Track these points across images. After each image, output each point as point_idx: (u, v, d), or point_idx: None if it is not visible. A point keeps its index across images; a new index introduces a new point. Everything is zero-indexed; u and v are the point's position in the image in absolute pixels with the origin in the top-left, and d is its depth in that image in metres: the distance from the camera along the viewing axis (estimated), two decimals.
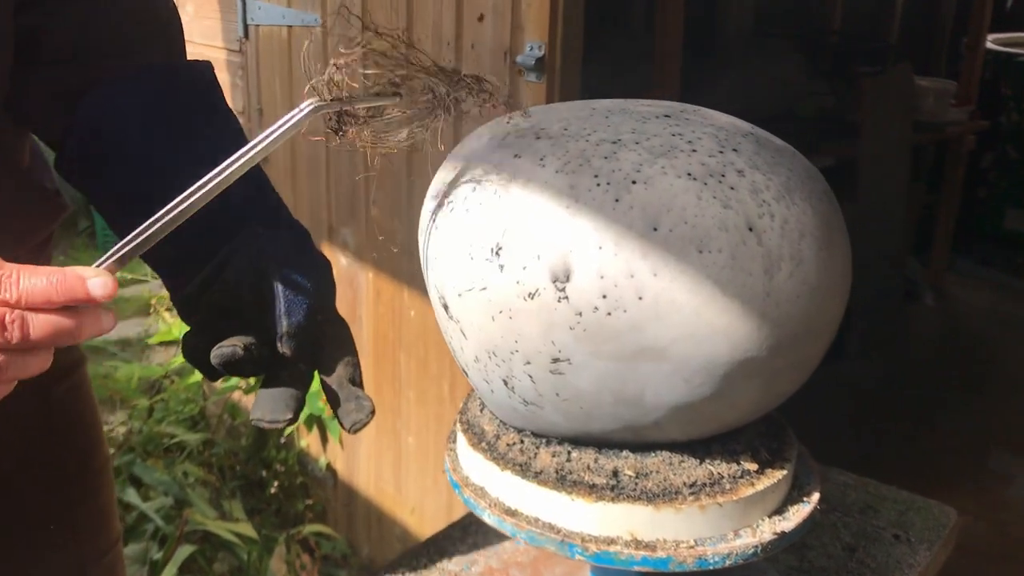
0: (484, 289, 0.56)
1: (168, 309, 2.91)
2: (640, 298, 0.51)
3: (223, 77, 2.22)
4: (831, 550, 0.78)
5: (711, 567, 0.56)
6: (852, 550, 0.78)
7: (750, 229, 0.52)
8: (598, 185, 0.53)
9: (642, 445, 0.59)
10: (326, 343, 0.65)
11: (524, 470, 0.60)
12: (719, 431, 0.60)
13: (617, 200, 0.52)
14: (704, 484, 0.57)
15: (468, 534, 0.82)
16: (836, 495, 0.84)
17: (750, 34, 3.40)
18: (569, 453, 0.59)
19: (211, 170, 0.60)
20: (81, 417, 0.91)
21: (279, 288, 0.63)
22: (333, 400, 0.64)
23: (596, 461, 0.59)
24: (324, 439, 2.29)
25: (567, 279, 0.52)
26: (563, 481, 0.58)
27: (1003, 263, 3.82)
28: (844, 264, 0.57)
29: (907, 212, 3.30)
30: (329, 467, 2.30)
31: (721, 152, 0.55)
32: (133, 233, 0.56)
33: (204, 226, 0.65)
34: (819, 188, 0.57)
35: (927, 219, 3.65)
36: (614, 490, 0.57)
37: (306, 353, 0.63)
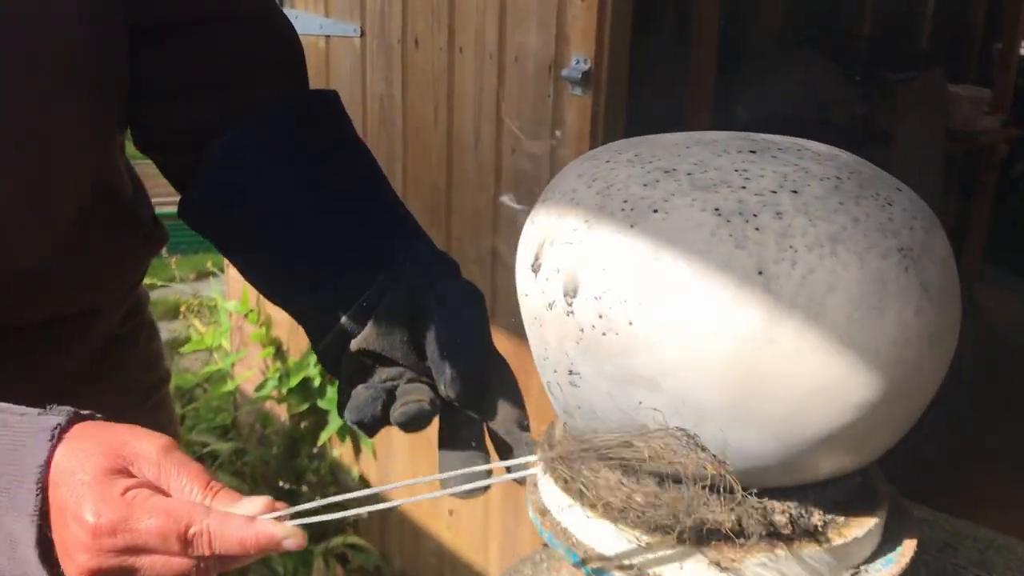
0: (526, 296, 0.59)
1: (197, 316, 2.91)
2: (630, 323, 0.52)
3: None
4: None
5: None
6: None
7: (759, 273, 0.50)
8: (622, 210, 0.54)
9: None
10: (490, 384, 0.63)
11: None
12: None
13: (632, 226, 0.53)
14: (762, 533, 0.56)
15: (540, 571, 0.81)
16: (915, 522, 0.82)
17: (782, 41, 3.38)
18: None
19: (342, 210, 0.61)
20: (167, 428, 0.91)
21: (438, 327, 0.60)
22: (501, 448, 0.62)
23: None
24: (357, 449, 2.28)
25: (575, 294, 0.55)
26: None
27: None
28: (902, 334, 0.51)
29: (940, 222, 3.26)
30: (362, 477, 2.29)
31: (774, 192, 0.52)
32: (328, 501, 0.55)
33: (352, 261, 0.63)
34: (894, 246, 0.51)
35: (959, 229, 3.62)
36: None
37: (473, 397, 0.61)
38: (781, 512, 0.55)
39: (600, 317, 0.53)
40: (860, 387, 0.50)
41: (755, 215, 0.51)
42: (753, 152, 0.58)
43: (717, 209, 0.52)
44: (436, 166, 1.87)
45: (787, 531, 0.55)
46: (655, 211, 0.53)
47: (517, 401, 0.64)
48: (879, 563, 0.59)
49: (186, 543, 0.49)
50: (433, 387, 0.62)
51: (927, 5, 3.97)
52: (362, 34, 1.95)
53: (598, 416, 0.58)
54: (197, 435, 2.49)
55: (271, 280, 0.66)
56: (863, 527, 0.58)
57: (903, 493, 0.66)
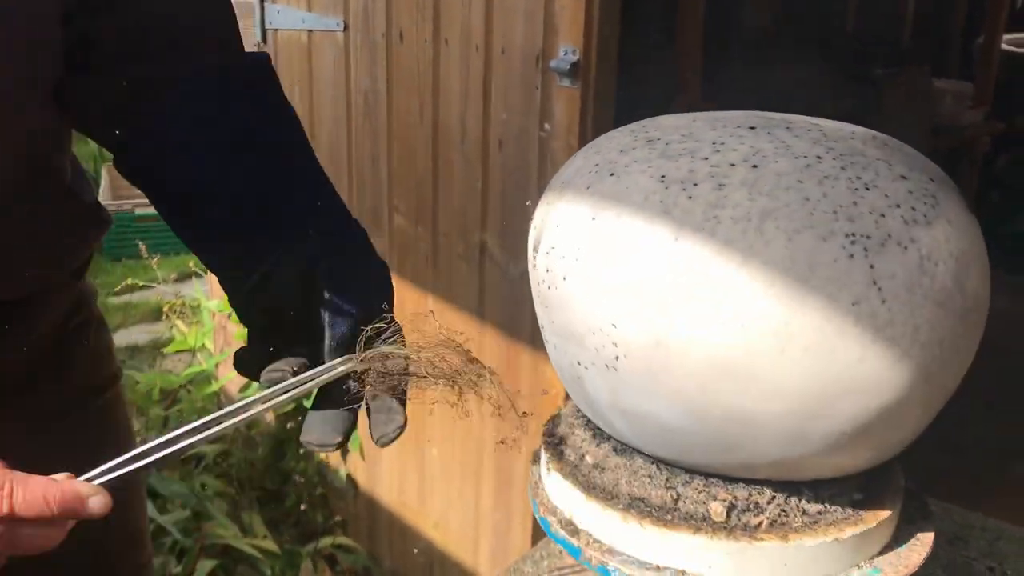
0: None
1: (180, 316, 2.87)
2: (564, 279, 0.53)
3: None
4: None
5: None
6: None
7: (675, 240, 0.50)
8: (591, 172, 0.55)
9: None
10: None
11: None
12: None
13: (588, 187, 0.54)
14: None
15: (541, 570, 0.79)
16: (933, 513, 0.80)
17: (768, 37, 3.37)
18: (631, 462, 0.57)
19: (268, 172, 0.62)
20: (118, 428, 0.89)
21: (327, 297, 0.62)
22: (367, 411, 0.62)
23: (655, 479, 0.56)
24: (345, 450, 2.25)
25: (537, 248, 0.57)
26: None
27: (1018, 266, 3.78)
28: (829, 322, 0.47)
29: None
30: (350, 478, 2.26)
31: (732, 165, 0.51)
32: (132, 453, 0.54)
33: (260, 227, 0.65)
34: (844, 230, 0.48)
35: None
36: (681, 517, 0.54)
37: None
38: (721, 500, 0.54)
39: (547, 271, 0.55)
40: (771, 370, 0.48)
41: (695, 184, 0.51)
42: (752, 128, 0.56)
43: (664, 176, 0.52)
44: (422, 161, 1.85)
45: (720, 519, 0.53)
46: (612, 175, 0.54)
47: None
48: (903, 546, 0.57)
49: None
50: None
51: (909, 2, 3.97)
52: (345, 28, 1.93)
53: (560, 373, 0.59)
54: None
55: (193, 243, 0.68)
56: (883, 513, 0.56)
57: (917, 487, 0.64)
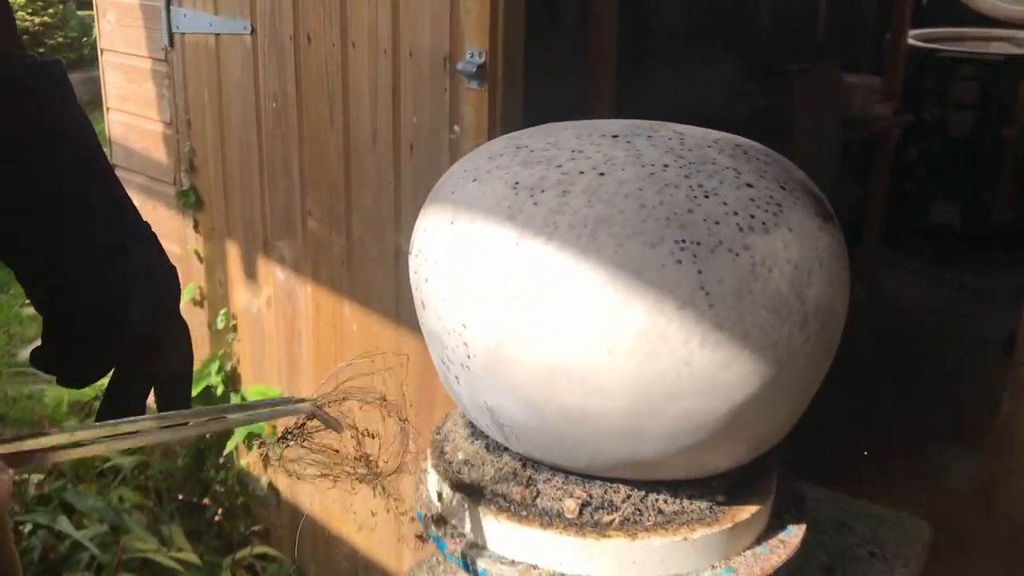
0: None
1: None
2: (427, 280, 0.57)
3: (148, 87, 2.15)
4: (808, 571, 0.76)
5: None
6: (830, 571, 0.77)
7: (516, 244, 0.52)
8: (459, 177, 0.57)
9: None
10: (164, 357, 0.64)
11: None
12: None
13: (453, 192, 0.57)
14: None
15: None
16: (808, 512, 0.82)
17: (682, 35, 3.42)
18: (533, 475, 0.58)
19: (37, 183, 0.60)
20: None
21: (115, 294, 0.62)
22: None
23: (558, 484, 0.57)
24: (266, 458, 2.23)
25: (410, 251, 0.60)
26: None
27: (930, 255, 3.90)
28: (654, 327, 0.48)
29: (838, 208, 3.34)
30: (271, 486, 2.24)
31: (582, 172, 0.54)
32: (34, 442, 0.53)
33: (49, 226, 0.63)
34: (675, 236, 0.50)
35: (856, 214, 3.71)
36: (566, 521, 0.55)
37: (140, 361, 0.62)
38: (576, 497, 0.55)
39: (415, 273, 0.57)
40: (599, 371, 0.49)
41: (543, 191, 0.52)
42: (615, 136, 0.57)
43: (517, 183, 0.53)
44: (334, 165, 1.84)
45: (572, 516, 0.55)
46: (475, 180, 0.55)
47: (172, 387, 0.65)
48: (764, 547, 0.58)
49: None
50: None
51: None
52: (253, 31, 1.90)
53: (437, 370, 0.60)
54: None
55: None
56: (754, 506, 0.58)
57: (801, 476, 0.66)
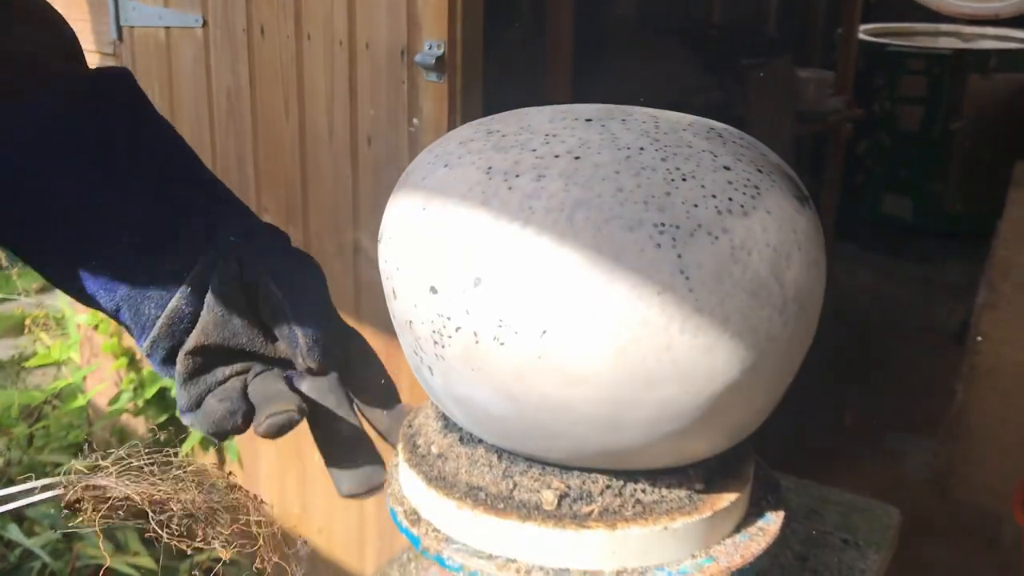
0: None
1: (44, 329, 2.74)
2: (397, 269, 0.55)
3: None
4: (782, 560, 0.76)
5: None
6: (803, 559, 0.77)
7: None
8: (429, 163, 0.56)
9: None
10: (352, 356, 0.61)
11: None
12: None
13: (423, 178, 0.55)
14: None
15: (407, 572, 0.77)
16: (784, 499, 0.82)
17: (636, 29, 3.43)
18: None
19: (145, 191, 0.56)
20: None
21: (279, 298, 0.57)
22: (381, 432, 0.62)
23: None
24: (221, 460, 2.19)
25: (379, 241, 0.58)
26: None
27: (883, 247, 3.96)
28: (632, 313, 0.47)
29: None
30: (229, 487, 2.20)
31: (557, 156, 0.52)
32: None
33: (162, 250, 0.57)
34: (652, 219, 0.48)
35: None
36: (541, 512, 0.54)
37: (333, 360, 0.58)
38: (554, 489, 0.54)
39: (385, 261, 0.55)
40: (579, 359, 0.48)
41: (517, 176, 0.50)
42: (588, 120, 0.56)
43: (490, 168, 0.51)
44: (290, 159, 1.80)
45: (550, 508, 0.53)
46: (446, 166, 0.53)
47: (386, 379, 0.62)
48: (743, 535, 0.58)
49: None
50: (286, 378, 0.59)
51: None
52: (204, 24, 1.86)
53: (409, 362, 0.58)
54: (48, 455, 2.34)
55: (75, 279, 0.58)
56: (733, 494, 0.57)
57: (770, 464, 0.65)
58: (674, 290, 0.47)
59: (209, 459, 2.21)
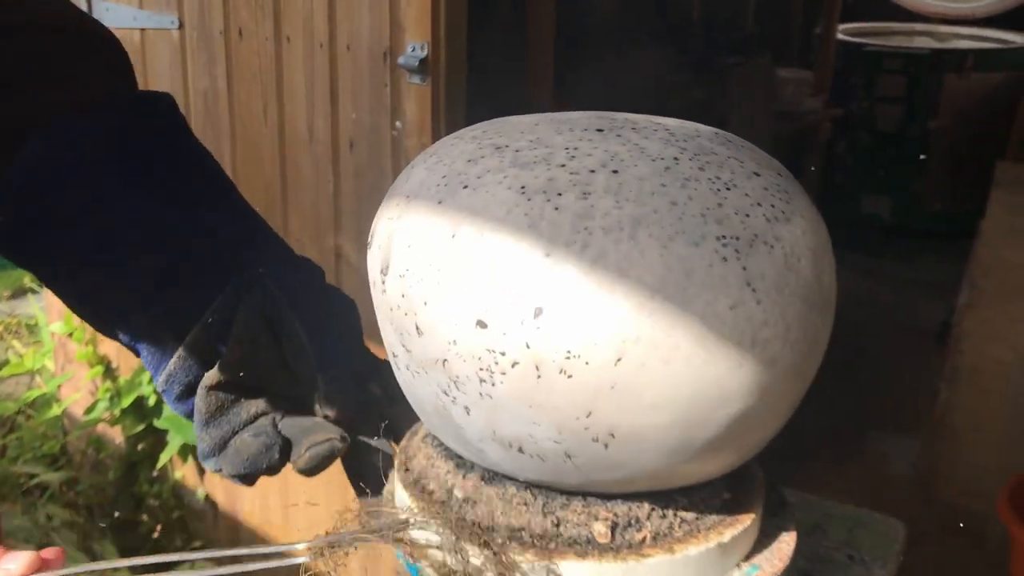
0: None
1: (16, 336, 2.69)
2: (425, 304, 0.50)
3: None
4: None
5: None
6: None
7: (547, 255, 0.48)
8: (438, 185, 0.51)
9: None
10: (375, 397, 0.58)
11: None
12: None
13: (440, 202, 0.51)
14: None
15: None
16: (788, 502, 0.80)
17: (615, 28, 3.41)
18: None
19: (177, 217, 0.54)
20: None
21: (302, 342, 0.55)
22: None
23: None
24: (201, 469, 2.15)
25: (387, 272, 0.53)
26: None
27: (862, 246, 3.97)
28: (711, 331, 0.46)
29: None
30: (208, 498, 2.16)
31: (592, 171, 0.49)
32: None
33: (187, 279, 0.55)
34: (715, 232, 0.47)
35: None
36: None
37: (352, 414, 0.56)
38: (603, 519, 0.51)
39: (403, 296, 0.50)
40: (654, 384, 0.46)
41: (559, 194, 0.47)
42: (600, 131, 0.53)
43: (524, 187, 0.48)
44: (269, 164, 1.77)
45: (605, 540, 0.51)
46: (465, 187, 0.49)
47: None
48: (765, 552, 0.56)
49: None
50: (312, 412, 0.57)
51: None
52: (181, 26, 1.83)
53: (418, 404, 0.54)
54: (23, 465, 2.29)
55: (100, 304, 0.57)
56: (738, 527, 0.55)
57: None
58: (744, 304, 0.45)
59: (188, 470, 2.17)
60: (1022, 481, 2.07)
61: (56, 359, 2.43)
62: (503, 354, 0.46)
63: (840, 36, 4.03)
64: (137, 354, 0.57)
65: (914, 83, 4.04)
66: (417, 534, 0.51)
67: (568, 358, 0.45)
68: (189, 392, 0.56)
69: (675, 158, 0.49)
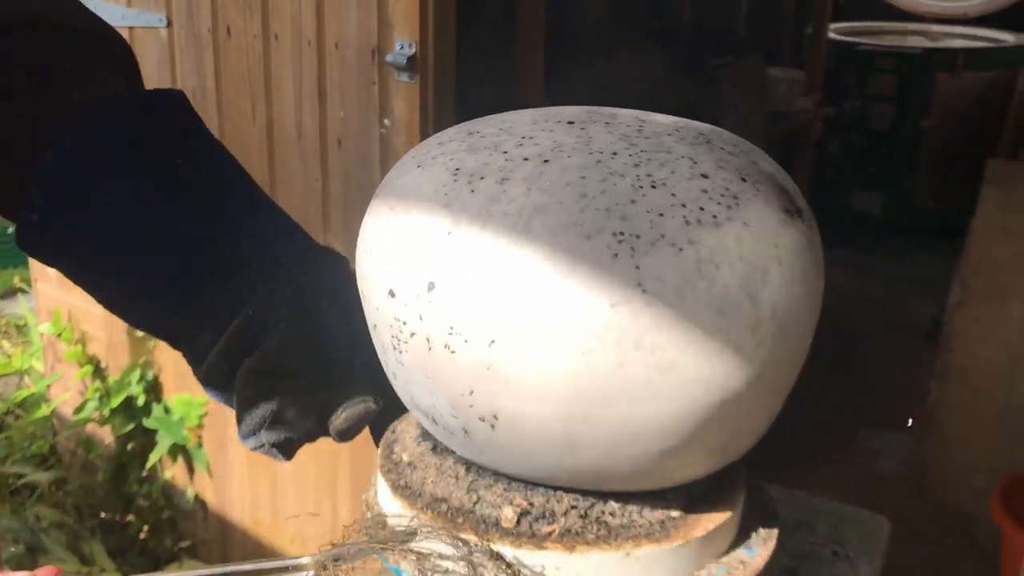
0: None
1: (5, 336, 2.67)
2: (366, 273, 0.52)
3: None
4: (771, 574, 0.73)
5: None
6: (794, 573, 0.74)
7: (449, 234, 0.49)
8: (405, 165, 0.54)
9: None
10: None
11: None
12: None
13: (398, 179, 0.53)
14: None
15: None
16: (776, 530, 0.80)
17: (607, 28, 3.41)
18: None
19: (203, 212, 0.56)
20: None
21: (335, 325, 0.57)
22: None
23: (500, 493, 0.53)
24: (191, 469, 2.14)
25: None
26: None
27: (854, 243, 3.97)
28: (584, 325, 0.45)
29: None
30: (198, 498, 2.15)
31: (526, 159, 0.49)
32: None
33: (219, 273, 0.57)
34: (613, 228, 0.46)
35: None
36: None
37: (381, 389, 0.57)
38: (516, 505, 0.51)
39: (359, 264, 0.53)
40: (531, 373, 0.45)
41: (482, 178, 0.48)
42: (571, 123, 0.53)
43: (458, 169, 0.49)
44: (257, 162, 1.76)
45: (509, 525, 0.51)
46: (419, 167, 0.51)
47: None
48: (721, 568, 0.54)
49: None
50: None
51: None
52: (169, 24, 1.82)
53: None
54: (11, 466, 2.28)
55: (133, 301, 0.58)
56: (714, 522, 0.54)
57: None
58: (629, 303, 0.44)
59: (178, 470, 2.16)
60: (1014, 479, 2.08)
61: (45, 359, 2.42)
62: (404, 323, 0.48)
63: (832, 35, 4.03)
64: (175, 347, 0.60)
65: (906, 82, 4.04)
66: (425, 545, 0.51)
67: (451, 334, 0.46)
68: (229, 380, 0.57)
69: (614, 153, 0.48)
